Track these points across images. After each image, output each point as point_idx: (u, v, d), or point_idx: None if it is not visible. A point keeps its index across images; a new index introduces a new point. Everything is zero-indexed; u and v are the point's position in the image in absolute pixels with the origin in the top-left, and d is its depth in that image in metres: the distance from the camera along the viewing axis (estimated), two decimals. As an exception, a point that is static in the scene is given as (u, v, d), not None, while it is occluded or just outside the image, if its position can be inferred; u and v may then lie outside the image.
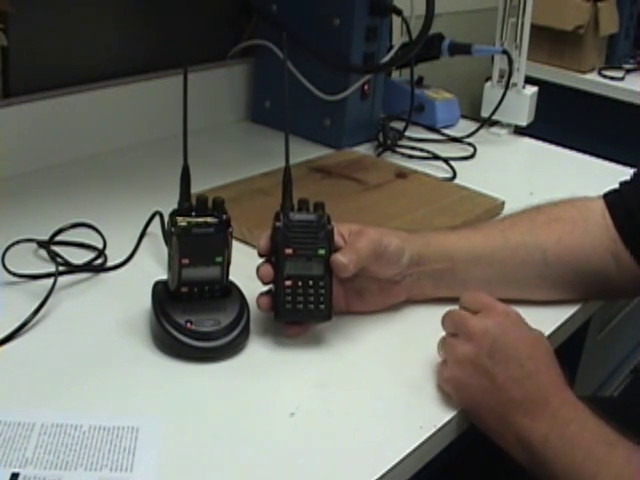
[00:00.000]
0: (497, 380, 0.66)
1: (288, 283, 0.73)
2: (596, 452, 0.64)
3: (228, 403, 0.68)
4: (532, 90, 1.42)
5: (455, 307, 0.73)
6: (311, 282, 0.74)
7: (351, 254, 0.74)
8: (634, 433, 0.64)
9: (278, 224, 0.74)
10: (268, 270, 0.74)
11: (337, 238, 0.75)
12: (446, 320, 0.73)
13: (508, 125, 1.44)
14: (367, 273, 0.77)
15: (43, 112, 1.08)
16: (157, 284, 0.77)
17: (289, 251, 0.73)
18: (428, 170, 1.20)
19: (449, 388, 0.70)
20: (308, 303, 0.74)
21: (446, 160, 1.25)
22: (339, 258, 0.73)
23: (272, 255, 0.74)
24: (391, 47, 1.27)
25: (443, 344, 0.72)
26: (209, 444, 0.62)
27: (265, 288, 0.76)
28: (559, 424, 0.65)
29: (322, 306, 0.74)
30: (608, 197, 0.87)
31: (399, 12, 1.24)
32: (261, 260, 0.75)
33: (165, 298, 0.74)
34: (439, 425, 0.67)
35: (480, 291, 0.81)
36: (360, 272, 0.75)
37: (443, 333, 0.73)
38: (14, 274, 0.81)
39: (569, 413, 0.66)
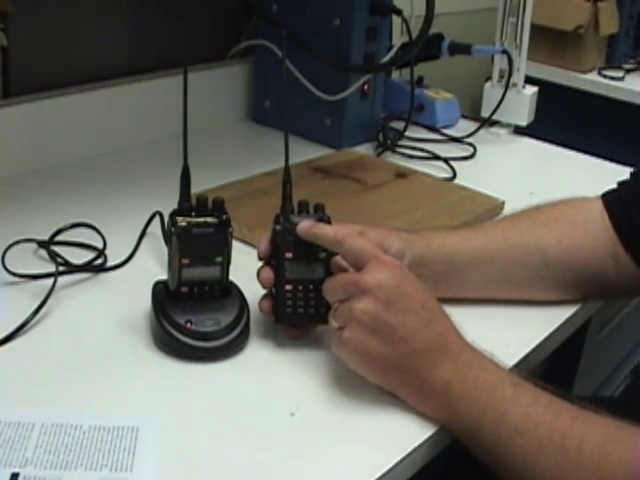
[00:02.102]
0: (397, 333, 0.65)
1: (288, 287, 0.73)
2: (501, 391, 0.64)
3: (228, 403, 0.68)
4: (532, 90, 1.42)
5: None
6: (312, 286, 0.73)
7: None
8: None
9: (278, 227, 0.73)
10: (269, 275, 0.74)
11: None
12: (332, 286, 0.70)
13: (508, 125, 1.44)
14: None
15: (43, 112, 1.08)
16: (157, 284, 0.77)
17: (289, 255, 0.73)
18: (428, 170, 1.20)
19: (347, 351, 0.67)
20: (309, 307, 0.74)
21: (446, 160, 1.25)
22: (340, 262, 0.73)
23: (272, 258, 0.74)
24: (391, 47, 1.27)
25: (336, 311, 0.68)
26: (209, 444, 0.62)
27: (265, 290, 0.76)
28: (460, 369, 0.66)
29: (323, 310, 0.74)
30: (606, 197, 0.87)
31: (399, 12, 1.24)
32: (261, 263, 0.75)
33: (165, 298, 0.74)
34: (439, 425, 0.67)
35: (477, 291, 0.81)
36: (360, 273, 0.75)
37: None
38: (14, 274, 0.81)
39: (469, 357, 0.67)
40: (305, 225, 0.72)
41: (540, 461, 0.62)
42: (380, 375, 0.68)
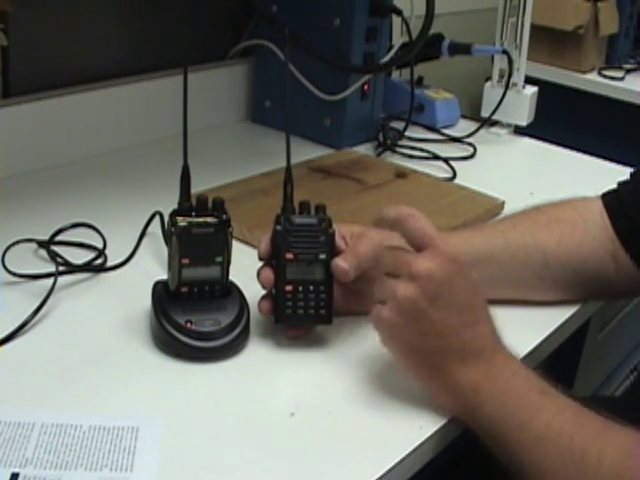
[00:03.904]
0: (436, 327, 0.65)
1: (289, 288, 0.73)
2: (529, 399, 0.64)
3: (228, 403, 0.68)
4: (532, 90, 1.42)
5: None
6: (312, 287, 0.73)
7: (352, 258, 0.74)
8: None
9: (279, 228, 0.73)
10: (269, 275, 0.74)
11: (338, 240, 0.75)
12: (386, 258, 0.69)
13: (508, 125, 1.44)
14: (368, 275, 0.76)
15: (43, 112, 1.08)
16: (157, 284, 0.77)
17: (290, 256, 0.73)
18: (428, 170, 1.20)
19: (382, 328, 0.67)
20: (309, 308, 0.74)
21: (446, 160, 1.25)
22: (340, 263, 0.73)
23: (272, 259, 0.74)
24: (391, 47, 1.27)
25: (382, 285, 0.68)
26: (209, 444, 0.62)
27: (265, 290, 0.76)
28: (492, 372, 0.65)
29: (322, 311, 0.74)
30: (606, 198, 0.87)
31: (399, 12, 1.24)
32: (261, 263, 0.75)
33: (165, 298, 0.74)
34: (439, 425, 0.67)
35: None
36: (361, 274, 0.75)
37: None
38: (14, 274, 0.81)
39: (502, 362, 0.66)
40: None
41: (559, 474, 0.62)
42: (408, 362, 0.68)
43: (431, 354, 0.66)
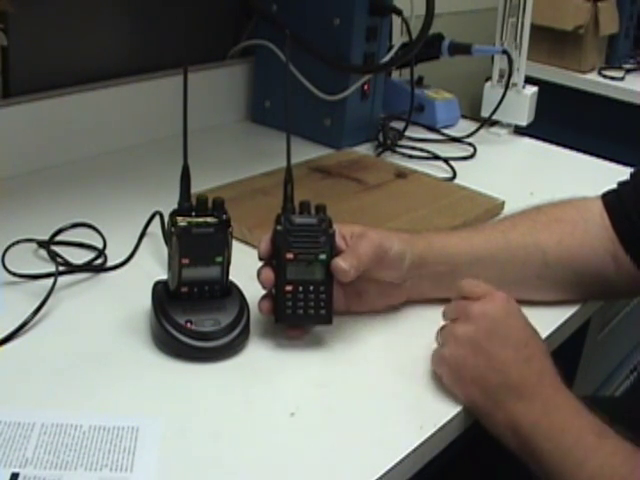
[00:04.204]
0: (494, 360, 0.67)
1: (289, 288, 0.73)
2: (585, 440, 0.65)
3: (228, 403, 0.68)
4: (532, 90, 1.42)
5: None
6: (312, 287, 0.73)
7: (352, 259, 0.74)
8: (636, 433, 0.64)
9: (279, 227, 0.73)
10: (269, 275, 0.74)
11: (339, 240, 0.75)
12: (448, 309, 0.73)
13: (508, 125, 1.44)
14: (368, 276, 0.76)
15: (43, 112, 1.08)
16: (157, 284, 0.77)
17: (290, 256, 0.73)
18: (428, 170, 1.20)
19: (444, 367, 0.70)
20: (309, 308, 0.74)
21: (446, 160, 1.25)
22: (340, 264, 0.73)
23: (273, 259, 0.74)
24: (391, 47, 1.27)
25: (443, 329, 0.72)
26: (209, 444, 0.62)
27: (265, 290, 0.76)
28: (550, 410, 0.66)
29: (323, 311, 0.74)
30: (606, 197, 0.87)
31: (399, 12, 1.24)
32: (261, 263, 0.75)
33: (165, 298, 0.74)
34: (439, 425, 0.67)
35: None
36: (361, 274, 0.75)
37: (444, 332, 0.73)
38: (14, 274, 0.81)
39: (561, 400, 0.67)
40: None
41: None
42: (471, 397, 0.69)
43: (491, 388, 0.67)
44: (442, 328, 0.73)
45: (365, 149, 1.28)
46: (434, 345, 0.73)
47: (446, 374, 0.70)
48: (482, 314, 0.69)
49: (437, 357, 0.71)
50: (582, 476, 0.64)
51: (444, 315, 0.74)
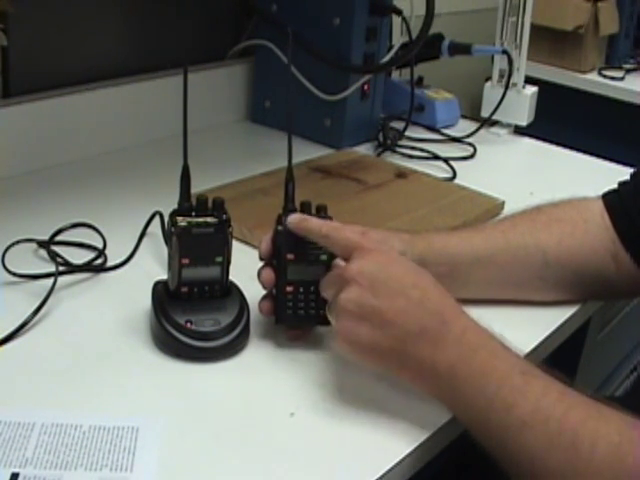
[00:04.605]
0: (387, 315, 0.63)
1: (289, 289, 0.73)
2: (510, 381, 0.61)
3: (228, 403, 0.68)
4: (532, 90, 1.42)
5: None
6: (312, 287, 0.73)
7: None
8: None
9: (280, 228, 0.73)
10: (270, 276, 0.74)
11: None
12: (324, 284, 0.69)
13: (508, 125, 1.44)
14: None
15: (43, 112, 1.08)
16: (157, 284, 0.77)
17: (291, 256, 0.73)
18: (428, 170, 1.20)
19: (340, 344, 0.66)
20: (309, 308, 0.74)
21: (446, 160, 1.25)
22: (341, 264, 0.73)
23: (273, 259, 0.74)
24: (391, 47, 1.27)
25: (329, 309, 0.68)
26: (209, 444, 0.62)
27: (265, 290, 0.76)
28: (465, 352, 0.63)
29: (323, 311, 0.74)
30: (607, 198, 0.87)
31: (399, 12, 1.24)
32: (262, 263, 0.75)
33: (165, 298, 0.74)
34: (439, 425, 0.67)
35: (478, 291, 0.81)
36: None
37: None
38: (14, 274, 0.81)
39: (475, 339, 0.64)
40: (294, 218, 0.72)
41: (550, 458, 0.59)
42: (378, 361, 0.66)
43: (394, 343, 0.64)
44: (328, 306, 0.68)
45: (365, 149, 1.28)
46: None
47: (345, 349, 0.66)
48: (358, 272, 0.64)
49: (334, 338, 0.66)
50: (512, 421, 0.60)
51: (323, 292, 0.69)
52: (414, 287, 0.65)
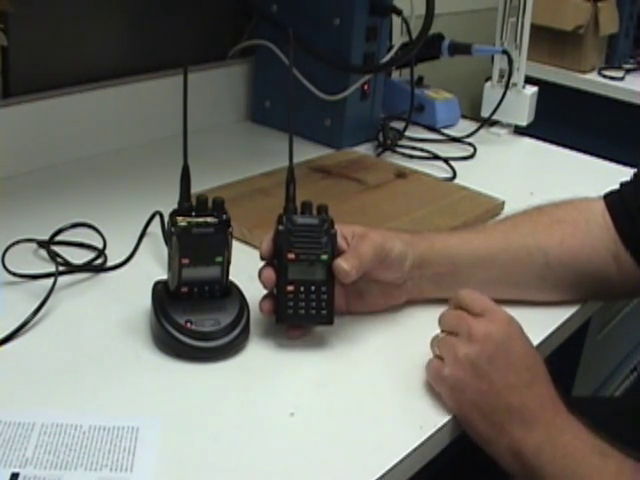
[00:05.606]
0: (496, 385, 0.66)
1: (290, 288, 0.73)
2: (589, 461, 0.64)
3: (228, 403, 0.68)
4: (532, 90, 1.42)
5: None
6: (313, 287, 0.73)
7: (353, 260, 0.74)
8: (636, 433, 0.64)
9: (281, 227, 0.73)
10: (271, 275, 0.74)
11: (340, 241, 0.75)
12: (446, 318, 0.72)
13: (508, 125, 1.44)
14: (369, 276, 0.76)
15: (43, 112, 1.08)
16: (157, 284, 0.77)
17: (291, 256, 0.73)
18: (428, 170, 1.20)
19: (444, 387, 0.69)
20: (310, 308, 0.74)
21: (446, 160, 1.25)
22: (342, 265, 0.73)
23: (274, 259, 0.74)
24: (391, 47, 1.27)
25: (441, 342, 0.71)
26: (209, 444, 0.62)
27: (265, 290, 0.76)
28: (553, 434, 0.65)
29: (324, 311, 0.74)
30: (608, 198, 0.87)
31: (399, 12, 1.24)
32: (262, 262, 0.75)
33: (165, 298, 0.74)
34: (439, 425, 0.67)
35: (480, 292, 0.81)
36: (362, 275, 0.75)
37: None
38: (14, 274, 0.81)
39: (562, 423, 0.66)
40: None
41: None
42: (471, 420, 0.68)
43: (492, 413, 0.66)
44: (440, 339, 0.71)
45: (365, 149, 1.28)
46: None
47: (446, 394, 0.69)
48: (486, 336, 0.67)
49: (435, 373, 0.69)
50: None
51: (441, 324, 0.72)
52: (528, 369, 0.68)
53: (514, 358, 0.67)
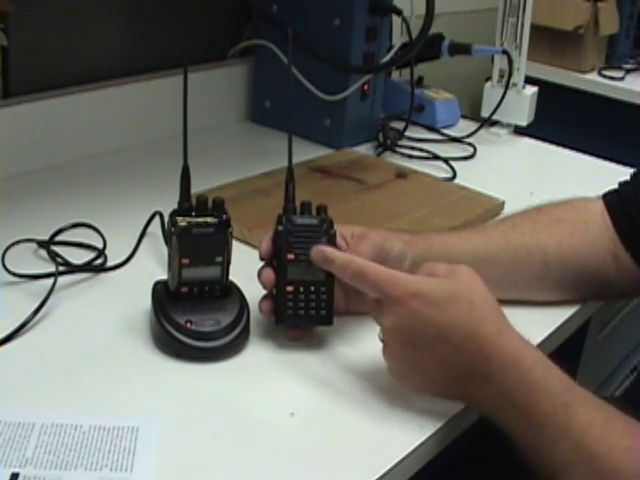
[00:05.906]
0: (431, 365, 0.66)
1: (290, 288, 0.73)
2: (553, 420, 0.64)
3: (228, 403, 0.68)
4: (532, 90, 1.42)
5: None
6: (313, 288, 0.73)
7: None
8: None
9: (280, 228, 0.73)
10: (270, 276, 0.74)
11: (339, 241, 0.75)
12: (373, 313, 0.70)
13: (508, 125, 1.44)
14: None
15: (43, 112, 1.08)
16: (157, 284, 0.77)
17: (291, 256, 0.73)
18: (428, 170, 1.20)
19: (397, 377, 0.69)
20: (309, 308, 0.74)
21: (446, 160, 1.25)
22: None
23: (273, 259, 0.74)
24: (391, 47, 1.27)
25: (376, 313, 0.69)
26: (209, 444, 0.62)
27: (265, 290, 0.76)
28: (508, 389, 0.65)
29: (323, 312, 0.74)
30: (607, 198, 0.87)
31: (399, 12, 1.24)
32: (262, 262, 0.75)
33: (165, 298, 0.74)
34: (439, 425, 0.67)
35: None
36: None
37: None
38: (14, 274, 0.81)
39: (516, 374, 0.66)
40: (316, 255, 0.72)
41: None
42: (445, 394, 0.68)
43: (451, 385, 0.66)
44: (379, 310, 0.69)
45: (365, 149, 1.28)
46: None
47: (406, 383, 0.69)
48: (393, 329, 0.67)
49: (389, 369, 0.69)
50: (557, 460, 0.63)
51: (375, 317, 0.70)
52: (452, 328, 0.65)
53: (430, 329, 0.65)
